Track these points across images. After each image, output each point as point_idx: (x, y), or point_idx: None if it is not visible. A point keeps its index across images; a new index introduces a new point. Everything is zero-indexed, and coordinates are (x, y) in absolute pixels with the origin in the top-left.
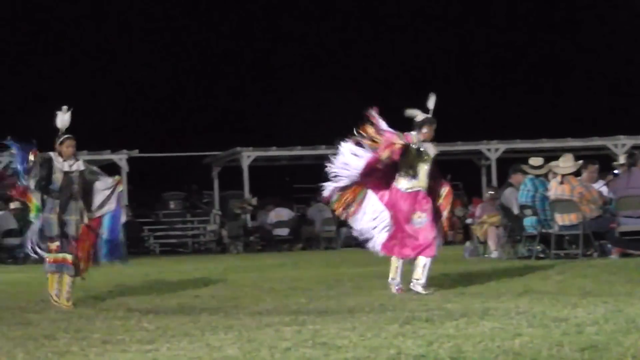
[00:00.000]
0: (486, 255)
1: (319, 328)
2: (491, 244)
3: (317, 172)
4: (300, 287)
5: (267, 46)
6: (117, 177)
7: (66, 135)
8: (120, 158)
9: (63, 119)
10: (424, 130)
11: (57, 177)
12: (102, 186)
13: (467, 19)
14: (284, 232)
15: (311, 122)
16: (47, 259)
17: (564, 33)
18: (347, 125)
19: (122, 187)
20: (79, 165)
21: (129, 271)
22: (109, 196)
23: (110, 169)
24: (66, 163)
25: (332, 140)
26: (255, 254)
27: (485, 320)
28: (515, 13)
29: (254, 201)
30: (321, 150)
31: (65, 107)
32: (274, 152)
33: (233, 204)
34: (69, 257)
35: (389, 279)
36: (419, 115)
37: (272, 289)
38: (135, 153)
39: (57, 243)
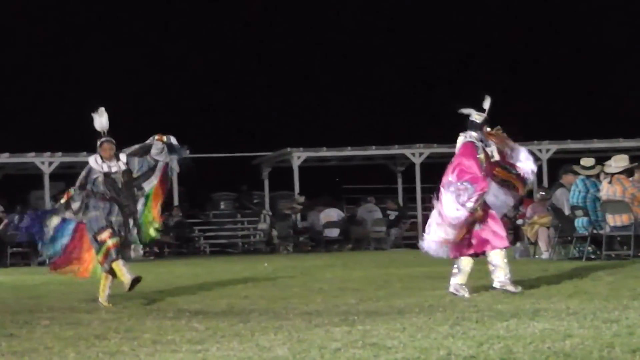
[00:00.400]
0: (537, 256)
1: (369, 329)
2: (542, 244)
3: (367, 172)
4: (350, 287)
5: (317, 47)
6: (157, 136)
7: (104, 139)
8: (172, 159)
9: (101, 121)
10: (485, 129)
11: (98, 180)
12: (156, 151)
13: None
14: (333, 233)
15: (361, 123)
16: (99, 259)
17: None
18: (396, 127)
19: (164, 138)
20: (119, 166)
21: (179, 271)
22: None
23: None
24: (105, 164)
25: (382, 140)
26: (304, 254)
27: (536, 321)
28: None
29: (302, 199)
30: (371, 151)
31: (101, 109)
32: (324, 152)
33: (283, 205)
34: (117, 241)
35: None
36: (474, 115)
37: (322, 290)
38: (186, 154)
39: (109, 230)
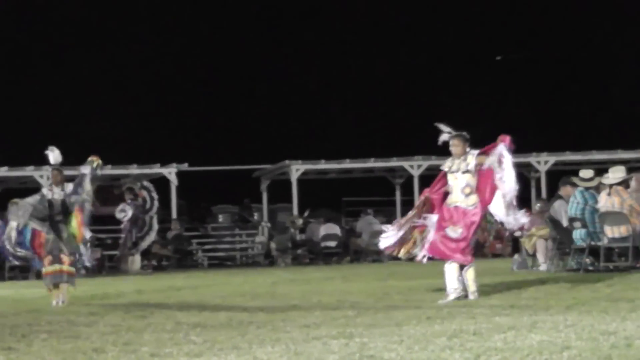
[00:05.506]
0: (535, 268)
1: (367, 341)
2: (540, 256)
3: (366, 185)
4: (349, 300)
5: (315, 59)
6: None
7: (52, 167)
8: (170, 172)
9: (54, 155)
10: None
11: (45, 203)
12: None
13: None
14: (332, 244)
15: (360, 135)
16: (44, 273)
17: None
18: (394, 138)
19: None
20: (59, 194)
21: (178, 284)
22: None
23: (160, 182)
24: (50, 191)
25: (381, 153)
26: (303, 267)
27: (534, 333)
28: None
29: (300, 222)
30: (370, 163)
31: (53, 147)
32: (323, 165)
33: (286, 218)
34: (63, 267)
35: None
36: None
37: (320, 302)
38: (185, 167)
39: (50, 258)
